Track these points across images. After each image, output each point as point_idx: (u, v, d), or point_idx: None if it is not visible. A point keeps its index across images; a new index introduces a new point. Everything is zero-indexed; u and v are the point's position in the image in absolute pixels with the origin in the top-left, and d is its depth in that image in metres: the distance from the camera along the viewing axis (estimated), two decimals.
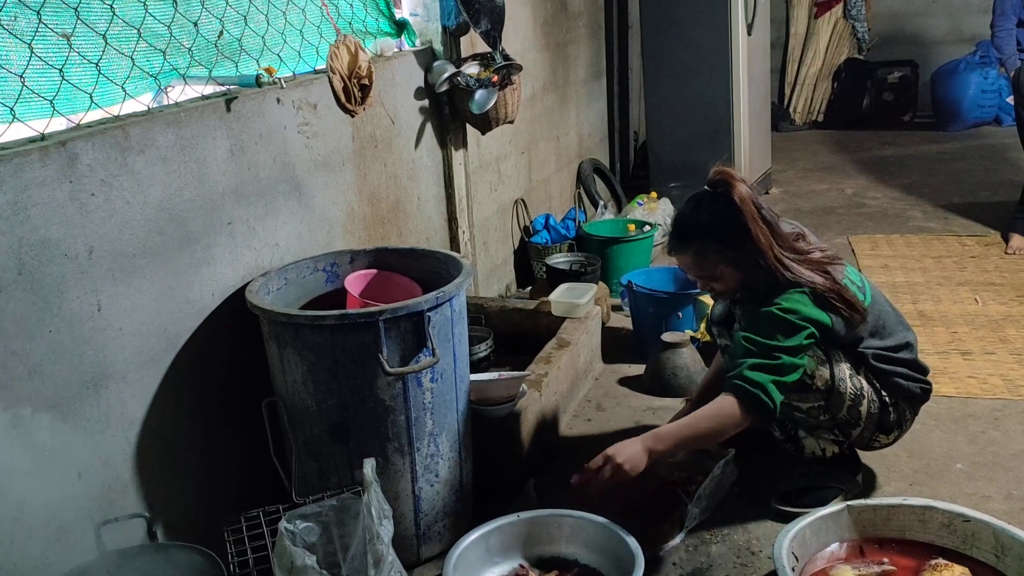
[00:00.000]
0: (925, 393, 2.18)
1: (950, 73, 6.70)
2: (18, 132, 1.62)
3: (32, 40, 1.62)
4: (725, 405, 1.97)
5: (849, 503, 2.05)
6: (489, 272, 3.68)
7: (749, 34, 4.83)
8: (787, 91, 7.39)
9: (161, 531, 1.78)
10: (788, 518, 2.05)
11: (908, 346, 2.17)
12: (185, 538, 1.79)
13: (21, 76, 1.60)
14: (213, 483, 2.03)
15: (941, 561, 1.90)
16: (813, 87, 7.32)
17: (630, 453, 1.94)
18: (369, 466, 1.68)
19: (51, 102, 1.67)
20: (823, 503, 2.10)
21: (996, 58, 6.71)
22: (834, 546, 1.98)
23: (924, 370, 2.21)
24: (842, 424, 2.15)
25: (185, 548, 1.68)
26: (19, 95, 1.60)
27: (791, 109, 7.35)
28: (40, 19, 1.63)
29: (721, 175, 2.06)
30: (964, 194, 5.07)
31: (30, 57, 1.62)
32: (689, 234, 2.10)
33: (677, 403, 2.76)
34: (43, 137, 1.64)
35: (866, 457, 2.32)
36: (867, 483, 2.30)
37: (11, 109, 1.59)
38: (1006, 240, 4.14)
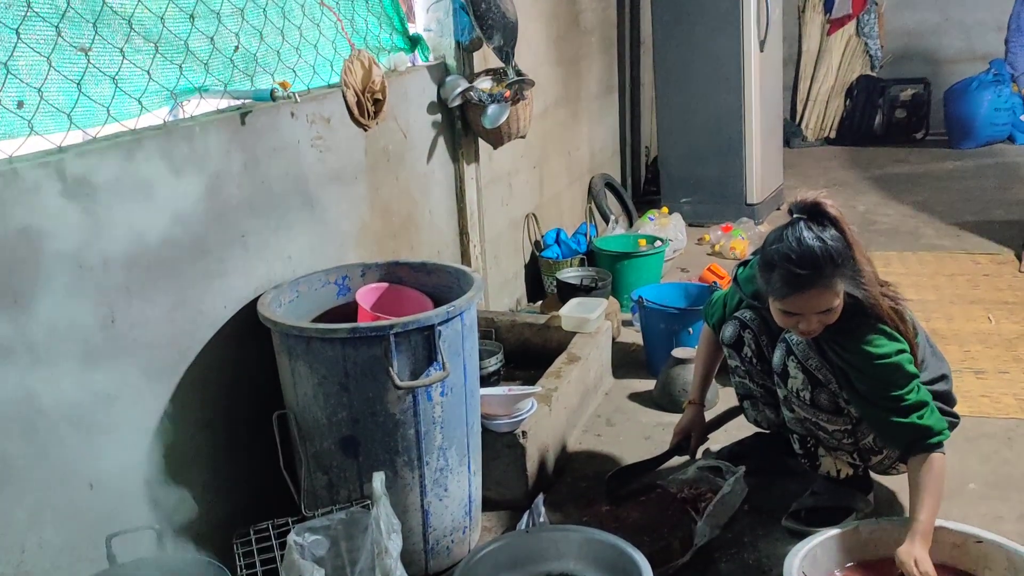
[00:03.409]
0: (952, 427, 2.15)
1: (963, 91, 6.68)
2: (36, 145, 1.64)
3: (51, 53, 1.64)
4: (935, 465, 1.94)
5: (860, 523, 2.04)
6: (500, 286, 3.69)
7: (761, 50, 4.84)
8: (799, 107, 7.38)
9: (171, 542, 1.78)
10: (799, 536, 2.03)
11: (944, 378, 2.15)
12: (195, 550, 1.80)
13: (39, 89, 1.62)
14: (223, 495, 2.04)
15: None
16: (825, 104, 7.32)
17: (924, 558, 1.86)
18: (378, 480, 1.68)
19: (68, 115, 1.69)
20: (834, 522, 2.09)
21: (1010, 75, 6.73)
22: (845, 566, 1.97)
23: (954, 402, 2.19)
24: (864, 450, 2.14)
25: (195, 560, 1.69)
26: (37, 108, 1.62)
27: (803, 125, 7.35)
28: (59, 33, 1.65)
29: (815, 200, 1.97)
30: (977, 212, 5.05)
31: (48, 70, 1.64)
32: (826, 266, 1.91)
33: None
34: (61, 150, 1.65)
35: (878, 476, 2.30)
36: (879, 503, 2.29)
37: (29, 122, 1.61)
38: (1019, 258, 4.12)
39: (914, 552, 1.85)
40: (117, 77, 1.79)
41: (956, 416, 2.17)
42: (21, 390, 1.54)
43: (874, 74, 7.30)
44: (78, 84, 1.71)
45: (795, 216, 1.99)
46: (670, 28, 4.93)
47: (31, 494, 1.56)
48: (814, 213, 1.97)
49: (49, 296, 1.58)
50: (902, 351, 1.98)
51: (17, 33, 1.57)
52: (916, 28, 7.36)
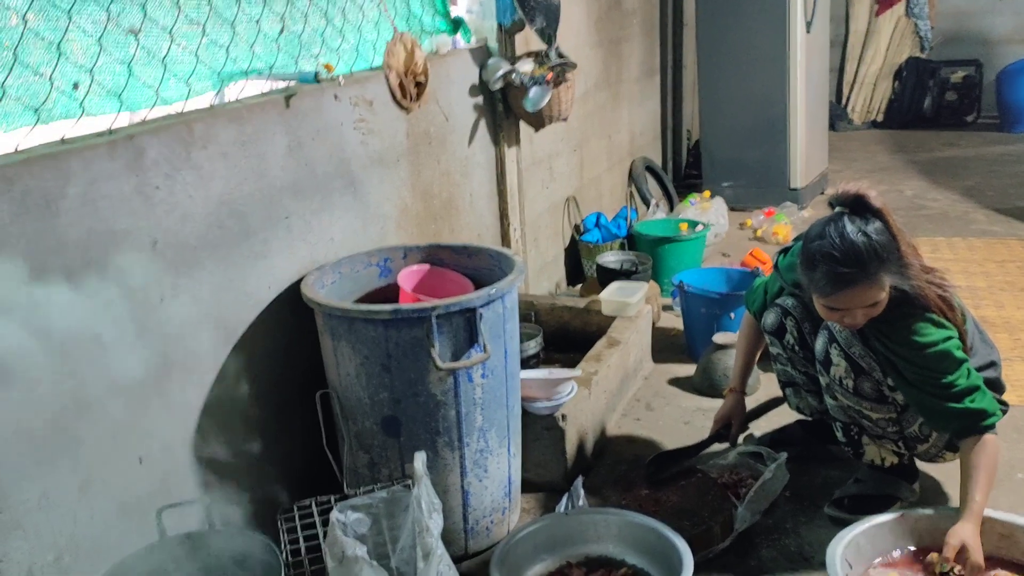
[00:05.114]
0: (1002, 413, 2.11)
1: (1016, 73, 6.51)
2: (87, 126, 1.67)
3: (101, 35, 1.67)
4: (988, 446, 1.93)
5: (905, 511, 2.01)
6: (539, 269, 3.69)
7: (808, 31, 4.75)
8: (846, 90, 7.25)
9: (218, 517, 1.82)
10: (841, 524, 2.01)
11: (993, 365, 2.11)
12: (241, 524, 1.83)
13: (91, 71, 1.65)
14: (268, 472, 2.07)
15: (1001, 572, 1.86)
16: (873, 86, 7.17)
17: (976, 542, 1.86)
18: (420, 460, 1.70)
19: (119, 97, 1.72)
20: (878, 511, 2.06)
21: None
22: (890, 555, 1.94)
23: (1003, 389, 2.14)
24: (909, 439, 2.11)
25: (241, 534, 1.72)
26: (88, 89, 1.65)
27: (850, 108, 7.22)
28: (109, 14, 1.67)
29: (857, 193, 1.92)
30: None
31: (99, 52, 1.67)
32: (871, 262, 1.86)
33: None
34: (111, 132, 1.68)
35: (924, 465, 2.27)
36: (924, 491, 2.25)
37: (80, 103, 1.64)
38: None
39: (966, 535, 1.83)
40: (166, 59, 1.82)
41: (1005, 404, 2.13)
42: (74, 366, 1.58)
43: (924, 56, 7.14)
44: (128, 66, 1.73)
45: (837, 210, 1.95)
46: (714, 9, 4.85)
47: (83, 467, 1.60)
48: (857, 206, 1.92)
49: (100, 276, 1.62)
50: (950, 338, 1.94)
51: (69, 15, 1.60)
52: (967, 8, 7.17)
